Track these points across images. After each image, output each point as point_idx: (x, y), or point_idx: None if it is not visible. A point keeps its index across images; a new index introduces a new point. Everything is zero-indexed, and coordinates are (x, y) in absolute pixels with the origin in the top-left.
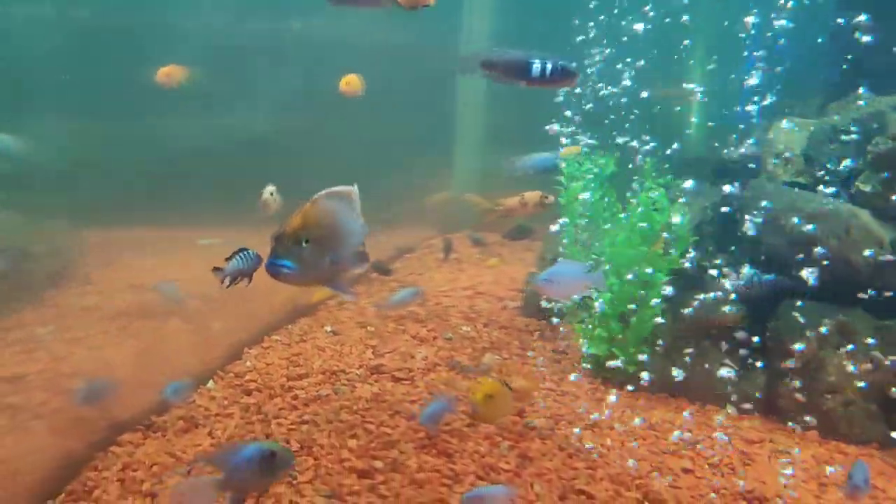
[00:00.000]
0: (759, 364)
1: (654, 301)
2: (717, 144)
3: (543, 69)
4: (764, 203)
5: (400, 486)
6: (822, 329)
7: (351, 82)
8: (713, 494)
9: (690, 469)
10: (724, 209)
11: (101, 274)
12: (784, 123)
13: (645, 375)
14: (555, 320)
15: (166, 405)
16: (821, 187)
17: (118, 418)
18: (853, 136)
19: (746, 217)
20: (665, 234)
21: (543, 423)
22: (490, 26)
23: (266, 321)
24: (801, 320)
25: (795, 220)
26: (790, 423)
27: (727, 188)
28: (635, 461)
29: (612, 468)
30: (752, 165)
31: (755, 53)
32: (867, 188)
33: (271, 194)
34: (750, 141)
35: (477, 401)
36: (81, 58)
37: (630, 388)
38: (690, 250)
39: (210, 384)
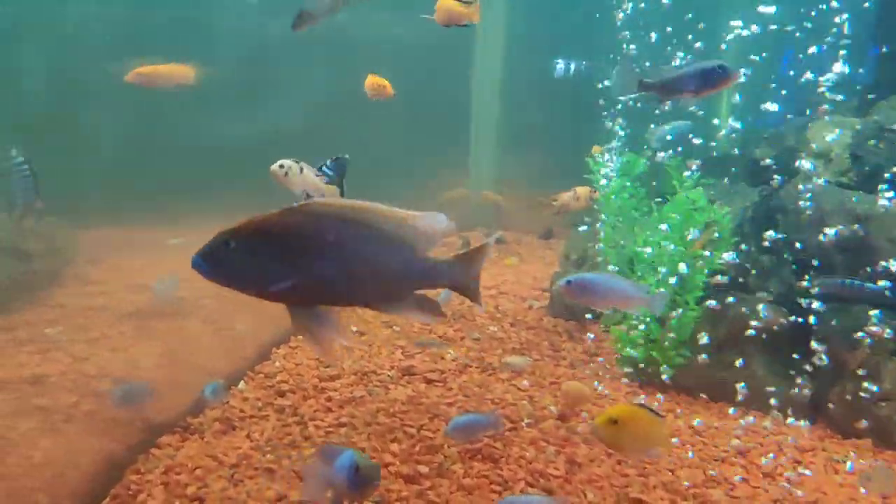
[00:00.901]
0: (807, 368)
1: (694, 303)
2: (751, 144)
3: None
4: (810, 203)
5: (449, 493)
6: (886, 333)
7: (380, 87)
8: (782, 500)
9: (745, 478)
10: (765, 209)
11: (100, 273)
12: (825, 121)
13: (684, 379)
14: (589, 317)
15: (200, 406)
16: (881, 188)
17: (153, 420)
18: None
19: (804, 216)
20: (710, 233)
21: (586, 428)
22: (506, 25)
23: (289, 321)
24: (853, 326)
25: (845, 221)
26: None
27: (769, 187)
28: (688, 471)
29: (664, 475)
30: (795, 164)
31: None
32: None
33: (280, 167)
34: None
35: (598, 425)
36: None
37: (670, 392)
38: (731, 251)
39: (241, 385)
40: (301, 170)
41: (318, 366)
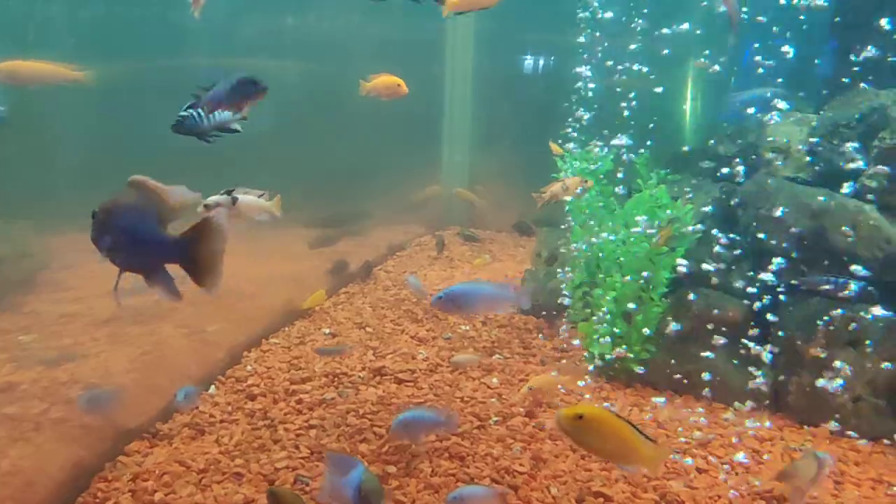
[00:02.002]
0: (766, 360)
1: (658, 298)
2: (711, 139)
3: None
4: (768, 198)
5: (416, 491)
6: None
7: (394, 86)
8: (733, 492)
9: (704, 469)
10: (725, 206)
11: (74, 279)
12: (785, 117)
13: (650, 373)
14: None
15: (170, 412)
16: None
17: (123, 426)
18: (856, 131)
19: (762, 211)
20: (669, 230)
21: (553, 424)
22: (475, 20)
23: (261, 324)
24: (810, 317)
25: (801, 216)
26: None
27: (730, 183)
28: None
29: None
30: (751, 160)
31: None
32: (873, 183)
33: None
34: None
35: (563, 417)
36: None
37: (636, 386)
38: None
39: (212, 389)
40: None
41: (290, 369)
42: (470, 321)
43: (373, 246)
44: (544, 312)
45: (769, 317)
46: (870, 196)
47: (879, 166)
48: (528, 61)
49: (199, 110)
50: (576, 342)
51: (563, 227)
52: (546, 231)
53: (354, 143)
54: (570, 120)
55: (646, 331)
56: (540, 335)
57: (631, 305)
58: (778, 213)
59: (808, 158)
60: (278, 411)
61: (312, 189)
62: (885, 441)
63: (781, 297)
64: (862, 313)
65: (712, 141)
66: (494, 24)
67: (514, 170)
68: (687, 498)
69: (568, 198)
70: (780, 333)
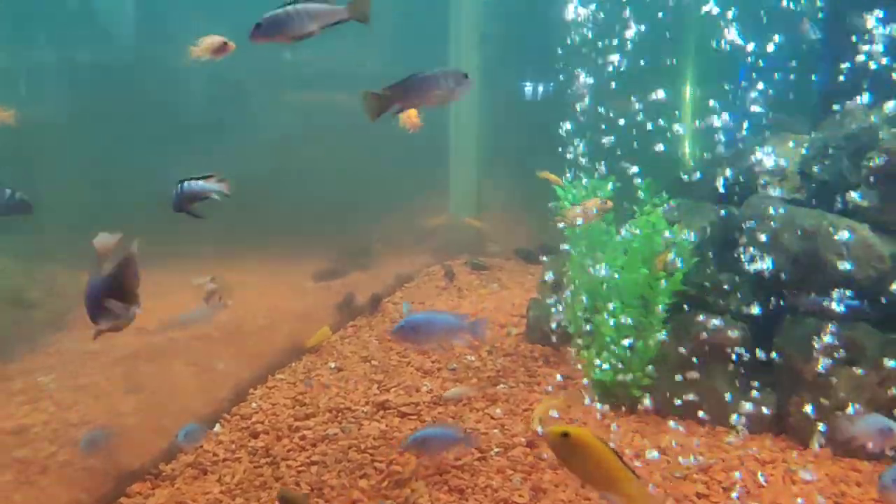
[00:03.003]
0: (767, 384)
1: (658, 324)
2: (711, 166)
3: None
4: (763, 221)
5: None
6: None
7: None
8: None
9: (705, 494)
10: (722, 229)
11: None
12: (778, 139)
13: (652, 399)
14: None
15: (174, 452)
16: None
17: (127, 468)
18: (846, 151)
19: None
20: (669, 256)
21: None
22: (476, 57)
23: (268, 360)
24: (808, 338)
25: (794, 237)
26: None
27: (728, 206)
28: (652, 487)
29: None
30: (747, 183)
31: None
32: (865, 202)
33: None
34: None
35: (550, 434)
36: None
37: (638, 412)
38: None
39: (217, 428)
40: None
41: (295, 405)
42: (475, 351)
43: (380, 278)
44: (553, 340)
45: (769, 337)
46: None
47: (871, 186)
48: (531, 87)
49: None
50: (579, 371)
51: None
52: (551, 257)
53: (361, 175)
54: (569, 148)
55: (644, 357)
56: (546, 364)
57: (631, 331)
58: (773, 235)
59: (799, 180)
60: (281, 448)
61: (319, 222)
62: (886, 462)
63: (779, 318)
64: (860, 332)
65: (709, 166)
66: (499, 51)
67: (521, 197)
68: None
69: (591, 220)
70: (776, 355)
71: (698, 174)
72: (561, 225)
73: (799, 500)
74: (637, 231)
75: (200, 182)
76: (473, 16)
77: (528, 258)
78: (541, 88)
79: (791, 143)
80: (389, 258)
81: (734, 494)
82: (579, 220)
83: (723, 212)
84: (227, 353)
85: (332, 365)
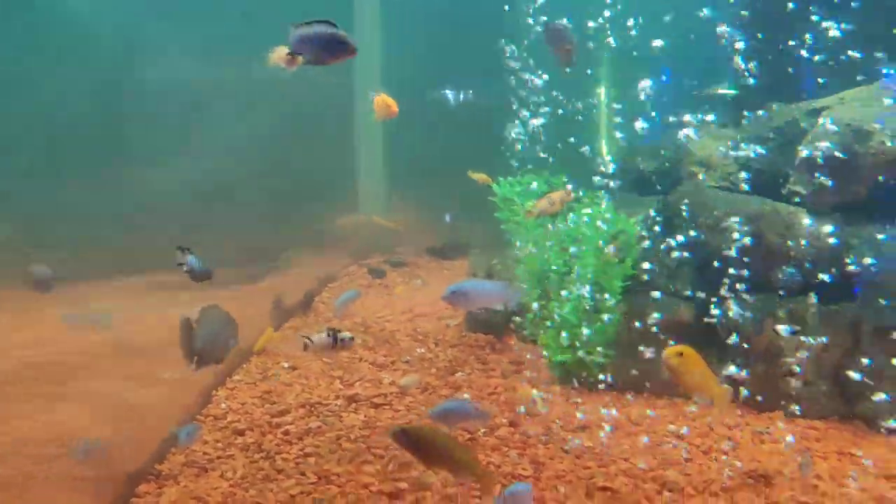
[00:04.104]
0: (719, 356)
1: (613, 306)
2: (637, 156)
3: None
4: (706, 206)
5: (435, 503)
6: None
7: (387, 106)
8: (727, 471)
9: (689, 458)
10: (668, 214)
11: None
12: (702, 133)
13: (611, 377)
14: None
15: (164, 454)
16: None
17: (126, 471)
18: (776, 143)
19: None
20: (618, 242)
21: (538, 431)
22: (380, 62)
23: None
24: (754, 312)
25: (738, 221)
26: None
27: (667, 195)
28: (639, 456)
29: (621, 464)
30: (679, 173)
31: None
32: (800, 188)
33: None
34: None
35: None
36: None
37: (600, 388)
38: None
39: None
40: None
41: (264, 403)
42: (424, 344)
43: (302, 279)
44: (491, 329)
45: (717, 313)
46: (796, 200)
47: (803, 174)
48: (448, 94)
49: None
50: (529, 355)
51: (516, 245)
52: (478, 251)
53: (269, 179)
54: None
55: (601, 338)
56: (493, 351)
57: (588, 314)
58: (717, 219)
59: (732, 169)
60: (269, 443)
61: (228, 225)
62: (835, 418)
63: (728, 296)
64: (802, 306)
65: (637, 158)
66: (405, 53)
67: (430, 195)
68: (685, 483)
69: (555, 212)
70: (732, 329)
71: (635, 166)
72: (529, 217)
73: (780, 459)
74: (586, 220)
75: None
76: (377, 16)
77: (440, 255)
78: (461, 95)
79: (714, 138)
80: (304, 260)
81: (721, 457)
82: (555, 211)
83: (664, 200)
84: (164, 363)
85: (286, 364)
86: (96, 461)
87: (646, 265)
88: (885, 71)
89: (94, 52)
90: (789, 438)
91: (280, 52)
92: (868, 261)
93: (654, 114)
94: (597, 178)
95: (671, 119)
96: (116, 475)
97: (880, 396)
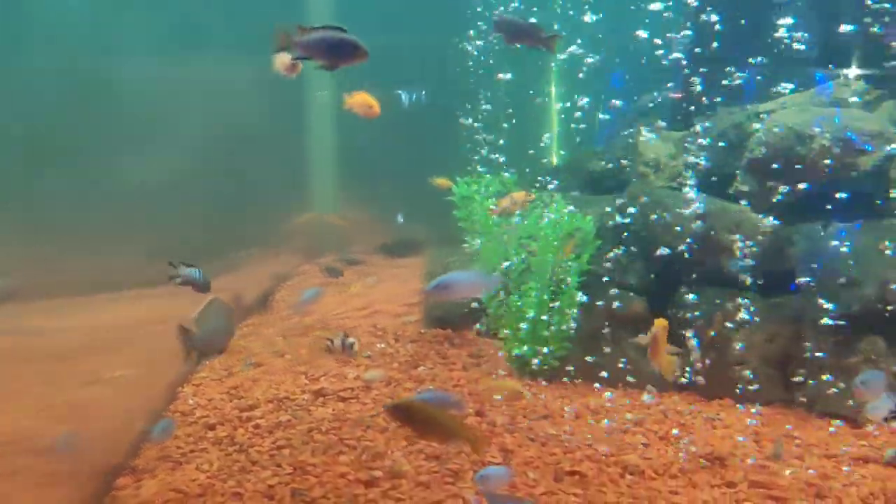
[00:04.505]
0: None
1: (570, 301)
2: (589, 158)
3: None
4: (658, 205)
5: (410, 489)
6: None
7: (368, 106)
8: (682, 455)
9: (647, 443)
10: (621, 212)
11: None
12: (651, 135)
13: (570, 368)
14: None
15: (136, 449)
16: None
17: (104, 466)
18: (720, 144)
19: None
20: (575, 239)
21: (504, 420)
22: None
23: (179, 365)
24: (704, 305)
25: (687, 218)
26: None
27: (619, 195)
28: (601, 443)
29: (585, 450)
30: (629, 174)
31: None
32: (746, 187)
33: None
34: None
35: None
36: None
37: (557, 381)
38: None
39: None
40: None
41: (231, 399)
42: (384, 339)
43: (256, 278)
44: (448, 324)
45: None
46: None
47: (748, 174)
48: (402, 95)
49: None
50: (489, 349)
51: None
52: (432, 249)
53: (221, 180)
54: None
55: (561, 329)
56: (452, 345)
57: (546, 308)
58: (669, 217)
59: (679, 170)
60: (242, 436)
61: (179, 224)
62: (779, 404)
63: (676, 290)
64: (749, 299)
65: (586, 159)
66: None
67: (382, 194)
68: (646, 467)
69: (517, 210)
70: (682, 321)
71: (571, 167)
72: (494, 215)
73: (731, 442)
74: (545, 219)
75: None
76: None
77: (393, 253)
78: (414, 96)
79: (662, 140)
80: (256, 259)
81: (677, 443)
82: (517, 210)
83: (618, 199)
84: (118, 363)
85: (250, 362)
86: (71, 456)
87: (601, 261)
88: (818, 76)
89: (42, 50)
90: (750, 422)
91: (283, 59)
92: (809, 255)
93: (605, 117)
94: (546, 178)
95: (622, 121)
96: (92, 469)
97: (821, 382)
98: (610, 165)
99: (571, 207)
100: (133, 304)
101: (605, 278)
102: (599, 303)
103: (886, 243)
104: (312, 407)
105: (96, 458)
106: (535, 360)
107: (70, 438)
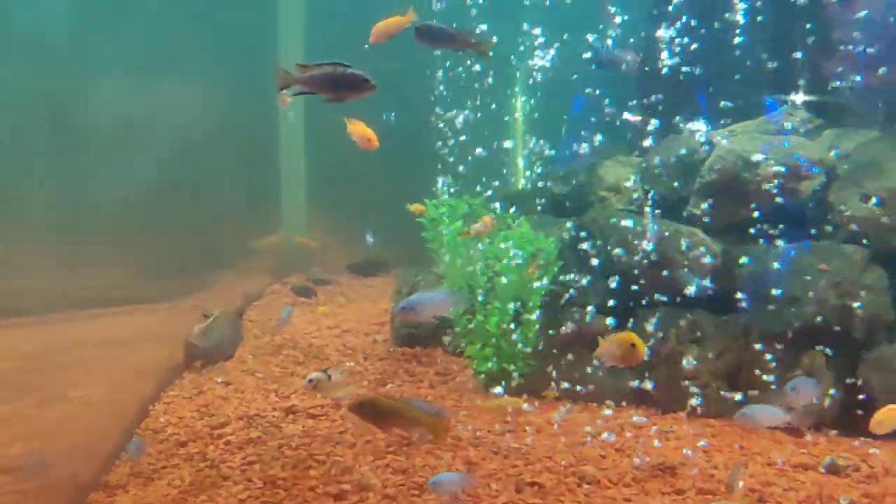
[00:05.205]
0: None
1: (534, 319)
2: (546, 181)
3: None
4: (615, 228)
5: (377, 501)
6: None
7: (366, 139)
8: (637, 461)
9: (604, 455)
10: (581, 235)
11: None
12: (610, 161)
13: (533, 384)
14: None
15: (108, 466)
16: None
17: (76, 482)
18: (677, 169)
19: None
20: (538, 260)
21: (468, 434)
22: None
23: (148, 381)
24: (659, 323)
25: (644, 241)
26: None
27: (579, 217)
28: (560, 454)
29: (545, 462)
30: (590, 197)
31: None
32: (698, 211)
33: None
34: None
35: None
36: None
37: (523, 396)
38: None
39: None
40: None
41: (203, 416)
42: (353, 358)
43: (225, 297)
44: (417, 343)
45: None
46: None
47: (700, 197)
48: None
49: None
50: (454, 367)
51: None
52: (400, 269)
53: (190, 200)
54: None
55: (525, 347)
56: (420, 364)
57: (511, 326)
58: (627, 239)
59: (635, 195)
60: (213, 453)
61: (147, 244)
62: (728, 416)
63: (634, 309)
64: (700, 317)
65: (549, 182)
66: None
67: (350, 215)
68: (602, 476)
69: (487, 233)
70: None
71: (535, 190)
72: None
73: (681, 451)
74: (510, 242)
75: None
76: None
77: (361, 272)
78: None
79: (622, 165)
80: (224, 279)
81: (631, 454)
82: (487, 232)
83: (579, 222)
84: (83, 381)
85: (220, 380)
86: (41, 474)
87: (562, 281)
88: (769, 103)
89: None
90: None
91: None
92: (756, 275)
93: (568, 142)
94: (512, 201)
95: (583, 146)
96: (63, 486)
97: (765, 395)
98: (572, 189)
99: (534, 229)
100: (98, 323)
101: (566, 298)
102: (561, 321)
103: (826, 263)
104: (283, 424)
105: (67, 476)
106: (500, 378)
107: (41, 456)
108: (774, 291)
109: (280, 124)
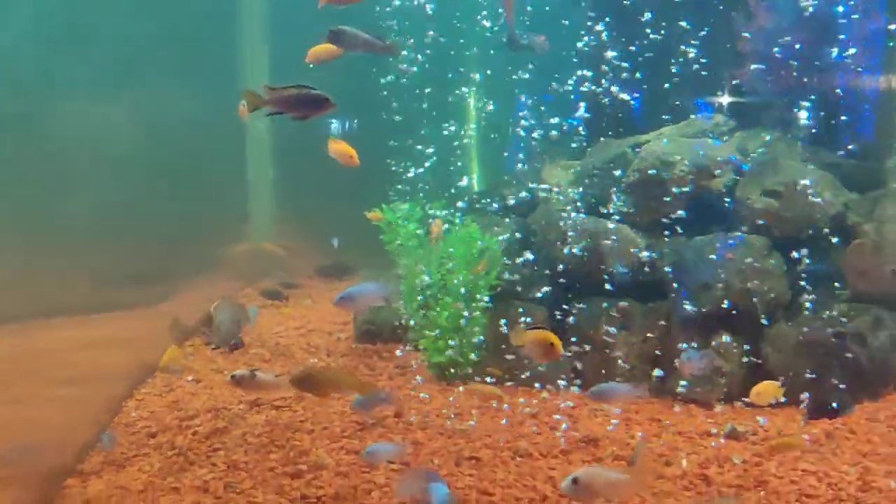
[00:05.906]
0: (567, 350)
1: (481, 312)
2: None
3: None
4: (554, 226)
5: (330, 479)
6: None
7: (347, 156)
8: (561, 439)
9: (539, 432)
10: (523, 234)
11: None
12: (555, 164)
13: (480, 372)
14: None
15: (84, 456)
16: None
17: (54, 469)
18: (608, 171)
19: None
20: (486, 259)
21: (419, 420)
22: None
23: (120, 382)
24: (593, 312)
25: (579, 237)
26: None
27: (522, 218)
28: (499, 433)
29: (484, 440)
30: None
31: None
32: (625, 208)
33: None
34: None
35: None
36: None
37: (472, 383)
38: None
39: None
40: None
41: (173, 410)
42: (317, 355)
43: (196, 303)
44: (378, 339)
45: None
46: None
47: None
48: (334, 124)
49: None
50: (413, 361)
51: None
52: (366, 272)
53: (161, 209)
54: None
55: (474, 339)
56: (380, 358)
57: (461, 320)
58: (564, 236)
59: (575, 195)
60: (182, 442)
61: (117, 250)
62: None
63: (571, 299)
64: (626, 305)
65: (501, 185)
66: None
67: (316, 221)
68: (533, 450)
69: (437, 235)
70: (572, 327)
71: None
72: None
73: (607, 427)
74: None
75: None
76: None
77: (330, 275)
78: (347, 123)
79: (562, 168)
80: (194, 284)
81: (562, 430)
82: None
83: (519, 221)
84: (61, 382)
85: (190, 378)
86: (20, 463)
87: (507, 276)
88: (700, 104)
89: None
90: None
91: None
92: (674, 265)
93: (515, 147)
94: (464, 203)
95: (529, 151)
96: (41, 474)
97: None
98: (522, 192)
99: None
100: (69, 329)
101: (512, 292)
102: (507, 314)
103: (732, 252)
104: (248, 415)
105: (45, 465)
106: (451, 368)
107: (21, 448)
108: (690, 279)
109: (246, 136)
